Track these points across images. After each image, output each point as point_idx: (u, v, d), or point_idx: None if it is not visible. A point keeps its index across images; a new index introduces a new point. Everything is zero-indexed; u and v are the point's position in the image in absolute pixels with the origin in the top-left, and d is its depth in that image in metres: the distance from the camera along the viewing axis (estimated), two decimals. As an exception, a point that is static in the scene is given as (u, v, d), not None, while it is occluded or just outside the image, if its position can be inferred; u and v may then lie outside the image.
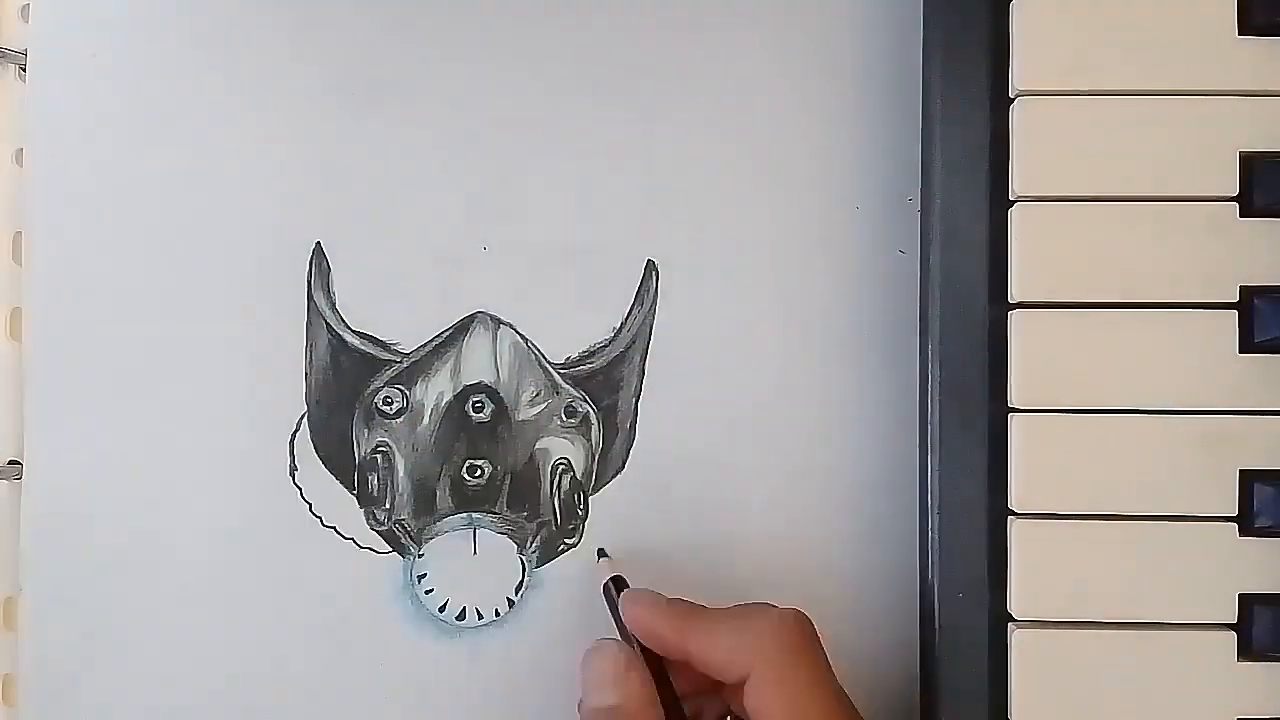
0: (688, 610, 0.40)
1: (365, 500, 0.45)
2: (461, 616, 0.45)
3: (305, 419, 0.45)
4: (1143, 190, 0.40)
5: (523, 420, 0.45)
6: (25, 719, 0.44)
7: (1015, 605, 0.40)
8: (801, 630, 0.38)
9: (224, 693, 0.45)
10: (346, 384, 0.45)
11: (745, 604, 0.40)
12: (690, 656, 0.39)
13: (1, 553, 0.45)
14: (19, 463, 0.46)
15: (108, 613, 0.45)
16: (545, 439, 0.45)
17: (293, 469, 0.45)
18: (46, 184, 0.46)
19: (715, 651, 0.38)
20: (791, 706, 0.37)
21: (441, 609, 0.45)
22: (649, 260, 0.45)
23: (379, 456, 0.45)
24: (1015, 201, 0.40)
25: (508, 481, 0.45)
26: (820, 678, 0.38)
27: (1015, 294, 0.40)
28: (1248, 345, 0.40)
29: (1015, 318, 0.40)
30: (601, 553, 0.44)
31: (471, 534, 0.45)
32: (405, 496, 0.45)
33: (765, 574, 0.44)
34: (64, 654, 0.45)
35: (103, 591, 0.45)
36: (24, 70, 0.46)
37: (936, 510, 0.41)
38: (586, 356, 0.45)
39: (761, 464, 0.44)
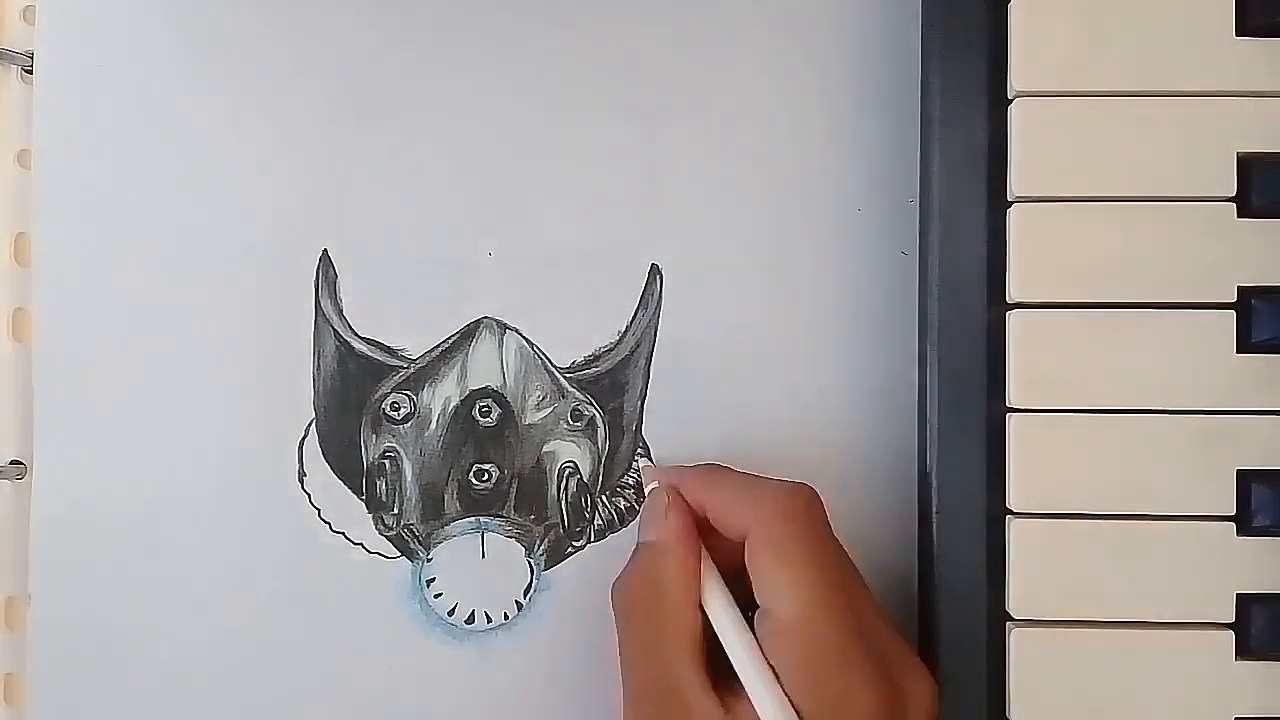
0: (712, 469, 0.44)
1: (373, 505, 0.47)
2: (470, 620, 0.47)
3: (313, 425, 0.47)
4: (1141, 191, 0.42)
5: (529, 424, 0.47)
6: None
7: (1013, 604, 0.42)
8: (801, 499, 0.41)
9: (232, 696, 0.47)
10: (354, 390, 0.47)
11: (765, 475, 0.43)
12: (706, 512, 0.42)
13: (3, 553, 0.48)
14: (21, 462, 0.48)
15: (116, 616, 0.47)
16: (552, 442, 0.47)
17: (301, 475, 0.47)
18: (54, 188, 0.48)
19: (723, 508, 0.42)
20: (776, 562, 0.39)
21: (450, 612, 0.47)
22: (653, 264, 0.47)
23: (387, 462, 0.47)
24: (1014, 202, 0.42)
25: (515, 485, 0.47)
26: (811, 543, 0.40)
27: (1013, 294, 0.42)
28: (1245, 345, 0.41)
29: (1013, 318, 0.42)
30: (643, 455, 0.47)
31: (480, 538, 0.47)
32: (413, 501, 0.47)
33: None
34: (71, 657, 0.47)
35: (111, 596, 0.47)
36: (26, 72, 0.48)
37: (935, 510, 0.43)
38: (592, 360, 0.47)
39: (762, 463, 0.46)
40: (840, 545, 0.41)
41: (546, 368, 0.47)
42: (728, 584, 0.42)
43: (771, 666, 0.39)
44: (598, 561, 0.47)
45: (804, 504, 0.41)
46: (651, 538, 0.43)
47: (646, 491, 0.45)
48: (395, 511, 0.47)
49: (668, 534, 0.42)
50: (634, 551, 0.43)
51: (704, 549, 0.42)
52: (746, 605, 0.41)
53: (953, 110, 0.43)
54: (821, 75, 0.47)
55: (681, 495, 0.43)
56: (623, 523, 0.47)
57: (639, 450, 0.47)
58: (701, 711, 0.39)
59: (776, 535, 0.40)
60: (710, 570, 0.42)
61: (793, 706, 0.38)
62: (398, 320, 0.48)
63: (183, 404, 0.47)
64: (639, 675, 0.41)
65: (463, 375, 0.47)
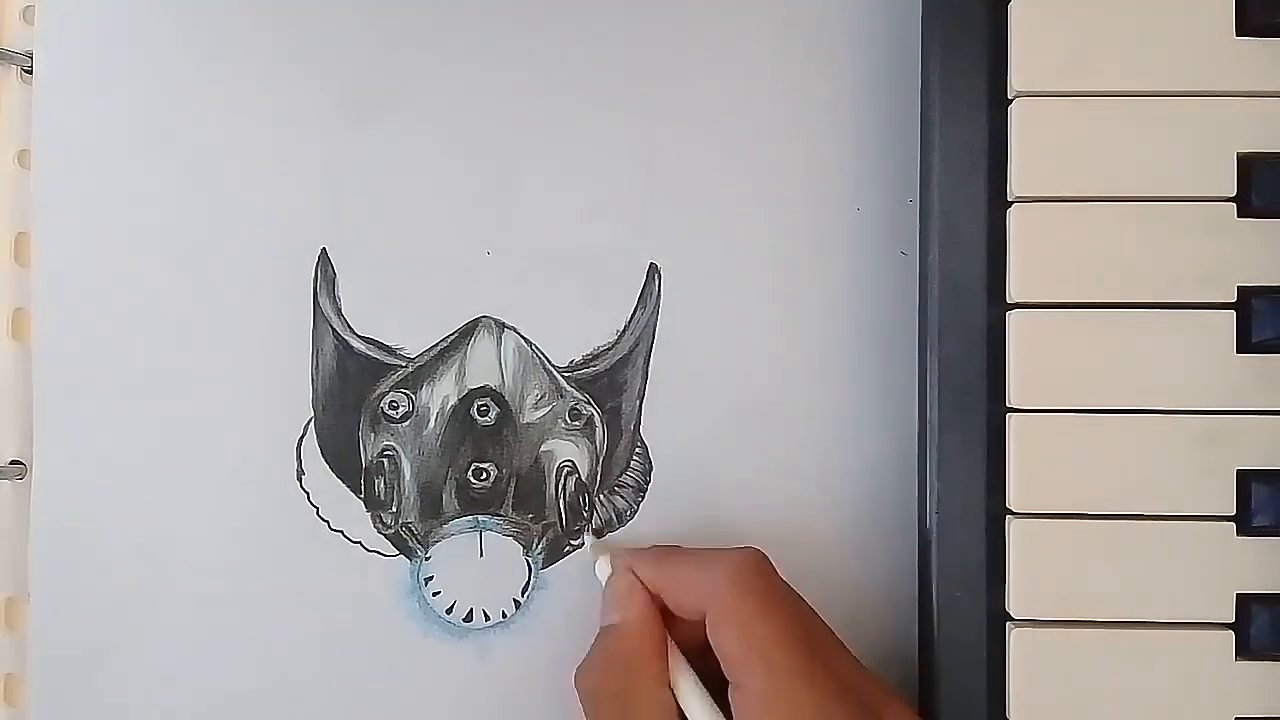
0: (663, 551, 0.44)
1: (372, 504, 0.47)
2: (469, 618, 0.47)
3: (312, 423, 0.47)
4: (1141, 191, 0.42)
5: (527, 423, 0.48)
6: (32, 721, 0.47)
7: (1013, 605, 0.42)
8: (752, 566, 0.41)
9: (231, 695, 0.47)
10: (352, 389, 0.48)
11: (712, 549, 0.44)
12: (661, 593, 0.43)
13: (3, 553, 0.48)
14: (21, 462, 0.48)
15: (115, 616, 0.47)
16: (550, 441, 0.48)
17: (300, 473, 0.47)
18: (54, 189, 0.48)
19: (678, 588, 0.42)
20: (741, 637, 0.39)
21: (449, 611, 0.47)
22: (651, 263, 0.47)
23: (385, 460, 0.48)
24: (1014, 202, 0.42)
25: (513, 484, 0.48)
26: (772, 610, 0.40)
27: (1013, 294, 0.42)
28: (1245, 345, 0.42)
29: (1013, 318, 0.42)
30: (598, 533, 0.47)
31: (478, 536, 0.47)
32: (412, 500, 0.47)
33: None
34: (72, 657, 0.47)
35: (110, 595, 0.47)
36: (26, 72, 0.49)
37: (935, 510, 0.43)
38: (590, 359, 0.48)
39: (763, 464, 0.47)
40: (798, 597, 0.42)
41: (545, 367, 0.48)
42: (690, 663, 0.42)
43: None
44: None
45: (754, 570, 0.41)
46: (615, 619, 0.43)
47: (594, 569, 0.45)
48: (394, 510, 0.47)
49: (631, 614, 0.42)
50: (597, 636, 0.44)
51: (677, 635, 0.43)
52: (709, 682, 0.41)
53: (953, 110, 0.44)
54: (821, 74, 0.47)
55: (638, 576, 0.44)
56: (621, 522, 0.47)
57: (636, 449, 0.47)
58: None
59: (736, 610, 0.40)
60: (675, 649, 0.42)
61: None
62: (396, 319, 0.48)
63: (182, 403, 0.48)
64: None
65: (461, 374, 0.48)
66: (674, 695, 0.41)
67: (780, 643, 0.39)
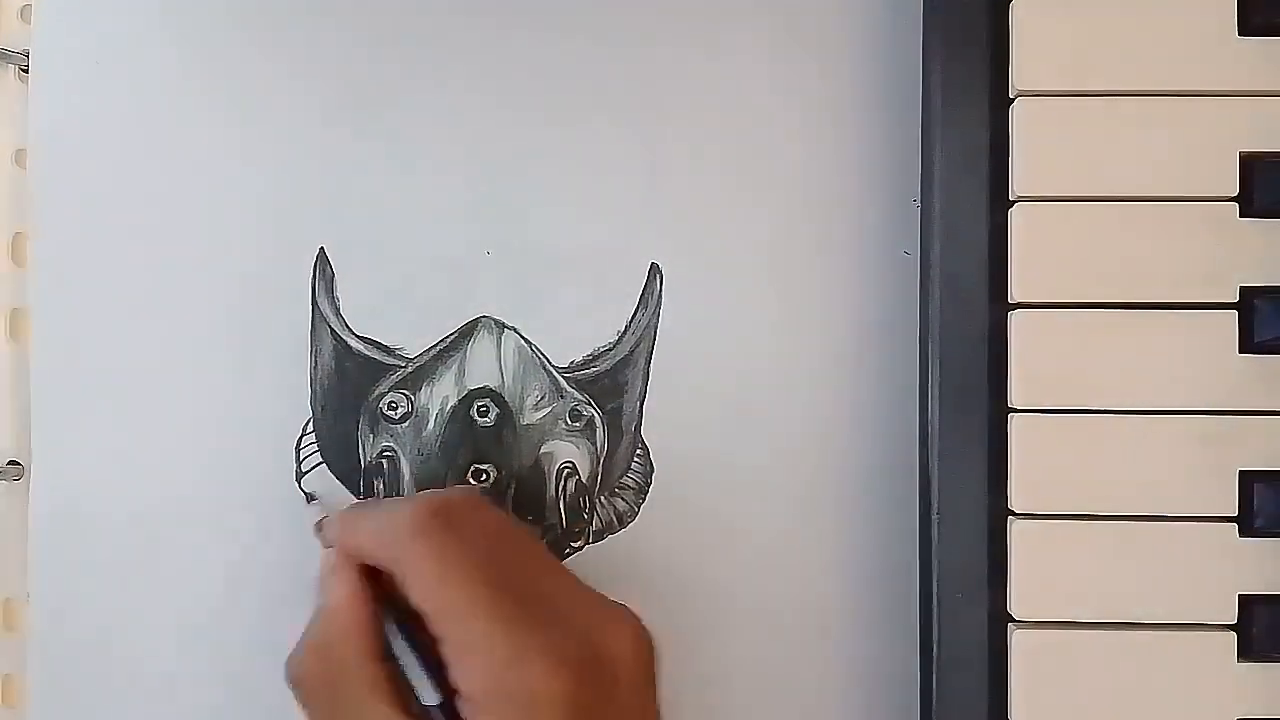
0: (352, 515, 0.43)
1: (371, 504, 0.48)
2: (468, 620, 0.47)
3: (311, 424, 0.47)
4: (1143, 190, 0.42)
5: (528, 424, 0.48)
6: (30, 721, 0.47)
7: (1015, 606, 0.42)
8: (426, 514, 0.40)
9: (231, 695, 0.47)
10: (351, 389, 0.47)
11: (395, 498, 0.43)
12: (362, 559, 0.41)
13: (0, 553, 0.48)
14: (18, 463, 0.48)
15: (114, 616, 0.47)
16: (550, 443, 0.48)
17: (299, 474, 0.47)
18: (51, 188, 0.48)
19: (371, 552, 0.41)
20: (428, 591, 0.39)
21: (448, 612, 0.47)
22: (652, 263, 0.47)
23: (385, 461, 0.48)
24: (1015, 202, 0.42)
25: (513, 485, 0.47)
26: (450, 554, 0.39)
27: (1015, 294, 0.42)
28: (1248, 345, 0.42)
29: (1015, 318, 0.42)
30: (311, 498, 0.47)
31: (478, 538, 0.48)
32: (411, 501, 0.48)
33: (765, 574, 0.47)
34: (70, 657, 0.47)
35: (109, 595, 0.47)
36: (24, 70, 0.49)
37: (936, 510, 0.43)
38: (591, 360, 0.48)
39: (762, 463, 0.47)
40: (493, 532, 0.41)
41: (545, 367, 0.48)
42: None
43: (454, 690, 0.38)
44: (596, 562, 0.47)
45: (428, 518, 0.40)
46: (320, 603, 0.42)
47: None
48: (393, 511, 0.47)
49: (333, 595, 0.41)
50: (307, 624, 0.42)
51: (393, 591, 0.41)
52: None
53: (954, 110, 0.44)
54: (823, 75, 0.47)
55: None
56: (621, 524, 0.47)
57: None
58: None
59: (418, 565, 0.39)
60: (390, 616, 0.41)
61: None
62: (395, 319, 0.48)
63: (180, 403, 0.48)
64: None
65: (461, 375, 0.48)
66: (395, 661, 0.40)
67: (461, 588, 0.38)
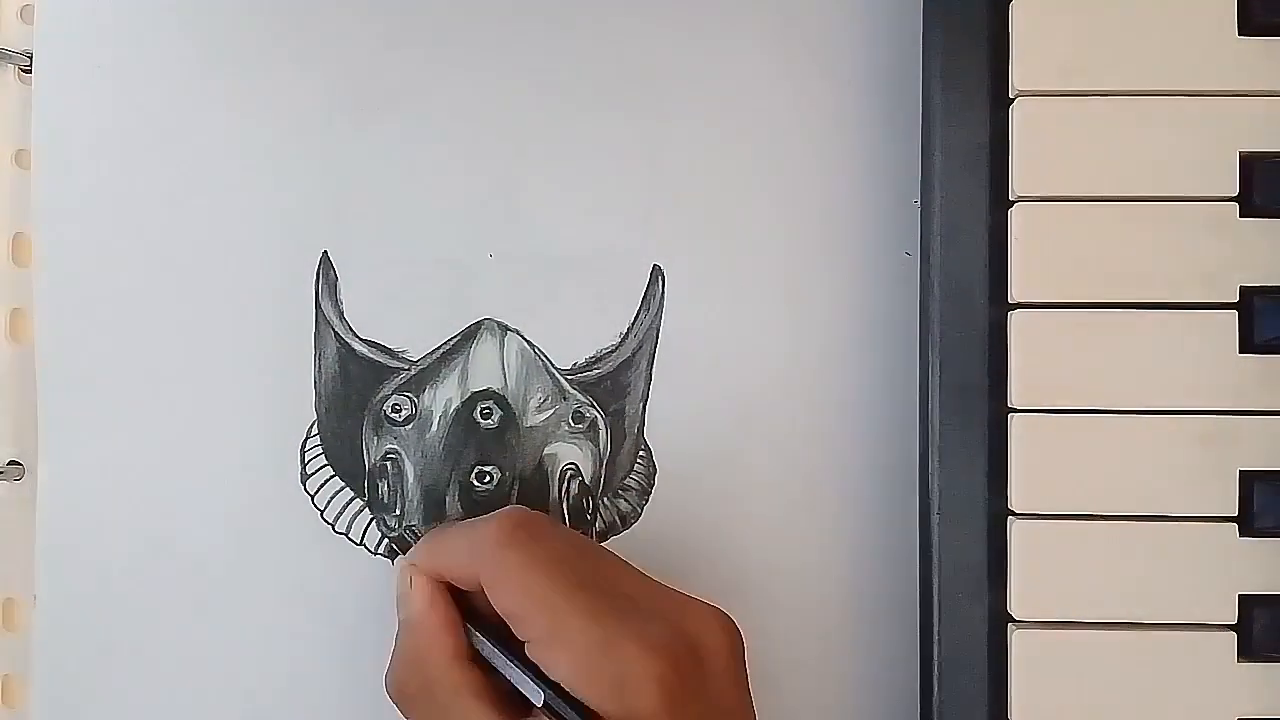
0: (435, 533, 0.45)
1: (376, 507, 0.48)
2: (472, 620, 0.48)
3: (315, 427, 0.48)
4: (1143, 190, 0.42)
5: (531, 426, 0.48)
6: (33, 722, 0.48)
7: (1015, 606, 0.42)
8: (510, 525, 0.41)
9: (234, 698, 0.47)
10: (355, 392, 0.48)
11: (480, 517, 0.44)
12: (444, 575, 0.43)
13: (1, 553, 0.49)
14: (19, 463, 0.49)
15: (118, 618, 0.47)
16: (553, 444, 0.48)
17: (303, 476, 0.48)
18: (55, 191, 0.48)
19: (453, 567, 0.42)
20: (514, 595, 0.40)
21: (453, 614, 0.48)
22: (655, 265, 0.48)
23: (389, 464, 0.48)
24: (1015, 201, 0.43)
25: (516, 487, 0.48)
26: (534, 558, 0.40)
27: (1015, 294, 0.42)
28: (1248, 345, 0.42)
29: (1015, 318, 0.42)
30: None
31: (481, 539, 0.48)
32: (415, 503, 0.48)
33: (766, 574, 0.47)
34: (74, 658, 0.47)
35: (113, 597, 0.47)
36: (24, 71, 0.49)
37: (936, 510, 0.43)
38: (594, 362, 0.48)
39: (765, 464, 0.47)
40: (568, 537, 0.43)
41: (548, 369, 0.48)
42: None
43: (554, 684, 0.39)
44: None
45: (513, 528, 0.41)
46: (402, 617, 0.43)
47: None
48: (397, 513, 0.48)
49: (415, 607, 0.43)
50: (395, 640, 0.44)
51: (468, 606, 0.43)
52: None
53: (954, 110, 0.44)
54: (823, 75, 0.47)
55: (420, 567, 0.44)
56: (625, 525, 0.48)
57: (640, 452, 0.47)
58: None
59: (503, 571, 0.40)
60: (474, 623, 0.42)
61: (584, 710, 0.38)
62: (399, 322, 0.48)
63: (184, 406, 0.48)
64: None
65: (464, 377, 0.48)
66: (483, 668, 0.41)
67: (550, 587, 0.40)
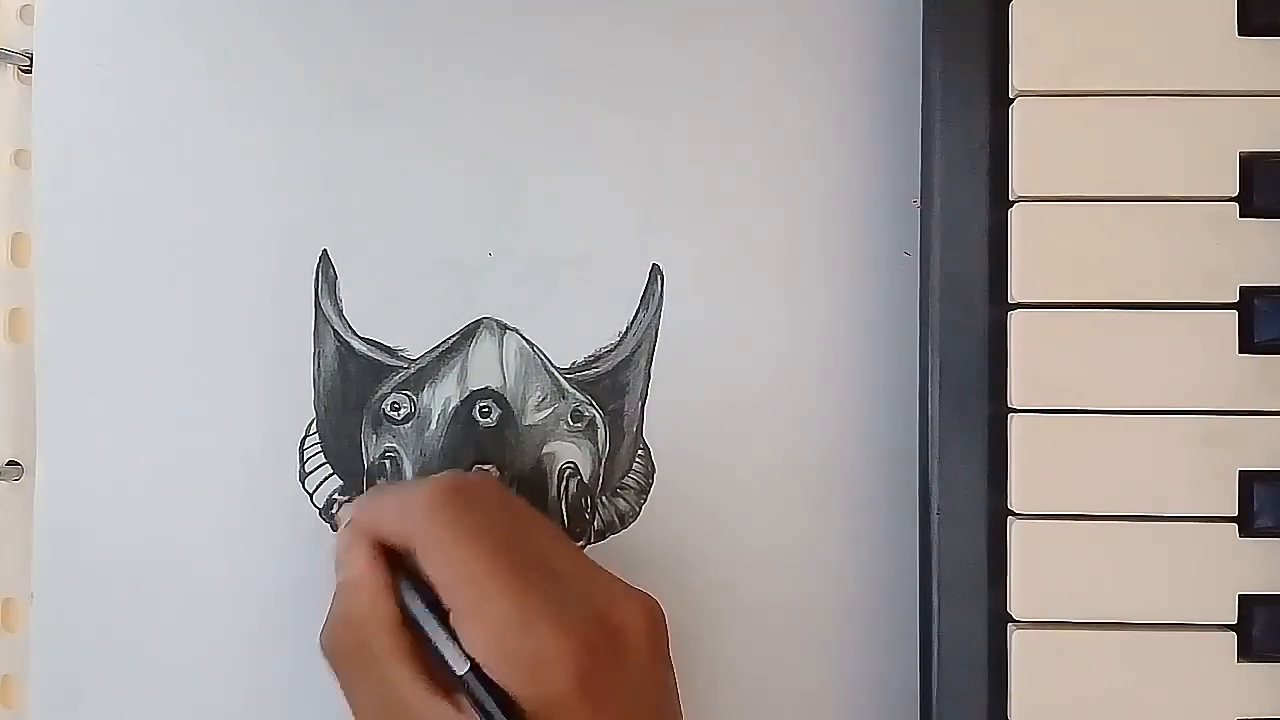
0: (372, 495, 0.45)
1: (374, 505, 0.48)
2: (471, 619, 0.48)
3: (314, 425, 0.48)
4: (1143, 190, 0.42)
5: (529, 425, 0.48)
6: (32, 722, 0.48)
7: (1015, 606, 0.42)
8: (443, 492, 0.41)
9: (232, 696, 0.47)
10: (354, 390, 0.48)
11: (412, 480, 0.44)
12: (380, 536, 0.42)
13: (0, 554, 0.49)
14: (17, 463, 0.49)
15: (117, 617, 0.47)
16: (552, 443, 0.48)
17: (302, 474, 0.47)
18: (55, 191, 0.48)
19: (388, 530, 0.42)
20: (442, 563, 0.40)
21: (451, 612, 0.48)
22: (654, 265, 0.48)
23: (388, 462, 0.48)
24: (1015, 201, 0.43)
25: (515, 486, 0.47)
26: (464, 531, 0.40)
27: (1015, 294, 0.42)
28: (1248, 346, 0.42)
29: (1015, 318, 0.42)
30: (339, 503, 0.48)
31: (480, 538, 0.48)
32: (414, 501, 0.48)
33: (765, 574, 0.47)
34: (73, 658, 0.47)
35: (112, 596, 0.47)
36: (23, 71, 0.49)
37: (936, 510, 0.43)
38: (592, 361, 0.48)
39: (763, 464, 0.47)
40: (508, 511, 0.42)
41: (547, 368, 0.48)
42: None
43: (469, 657, 0.39)
44: (598, 561, 0.47)
45: (446, 495, 0.41)
46: (340, 578, 0.43)
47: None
48: (396, 511, 0.48)
49: (352, 570, 0.42)
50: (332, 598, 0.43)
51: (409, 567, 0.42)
52: None
53: (954, 110, 0.44)
54: (823, 75, 0.47)
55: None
56: (623, 524, 0.48)
57: (638, 451, 0.47)
58: (436, 716, 0.39)
59: (434, 539, 0.40)
60: (409, 588, 0.41)
61: (494, 686, 0.38)
62: (398, 320, 0.48)
63: (183, 404, 0.48)
64: (369, 710, 0.41)
65: (463, 376, 0.48)
66: (418, 633, 0.41)
67: (475, 558, 0.39)
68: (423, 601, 0.41)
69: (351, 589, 0.42)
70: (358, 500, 0.45)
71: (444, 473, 0.43)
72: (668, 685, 0.41)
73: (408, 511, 0.41)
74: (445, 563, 0.40)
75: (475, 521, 0.41)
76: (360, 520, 0.43)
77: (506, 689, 0.38)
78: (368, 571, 0.42)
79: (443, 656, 0.40)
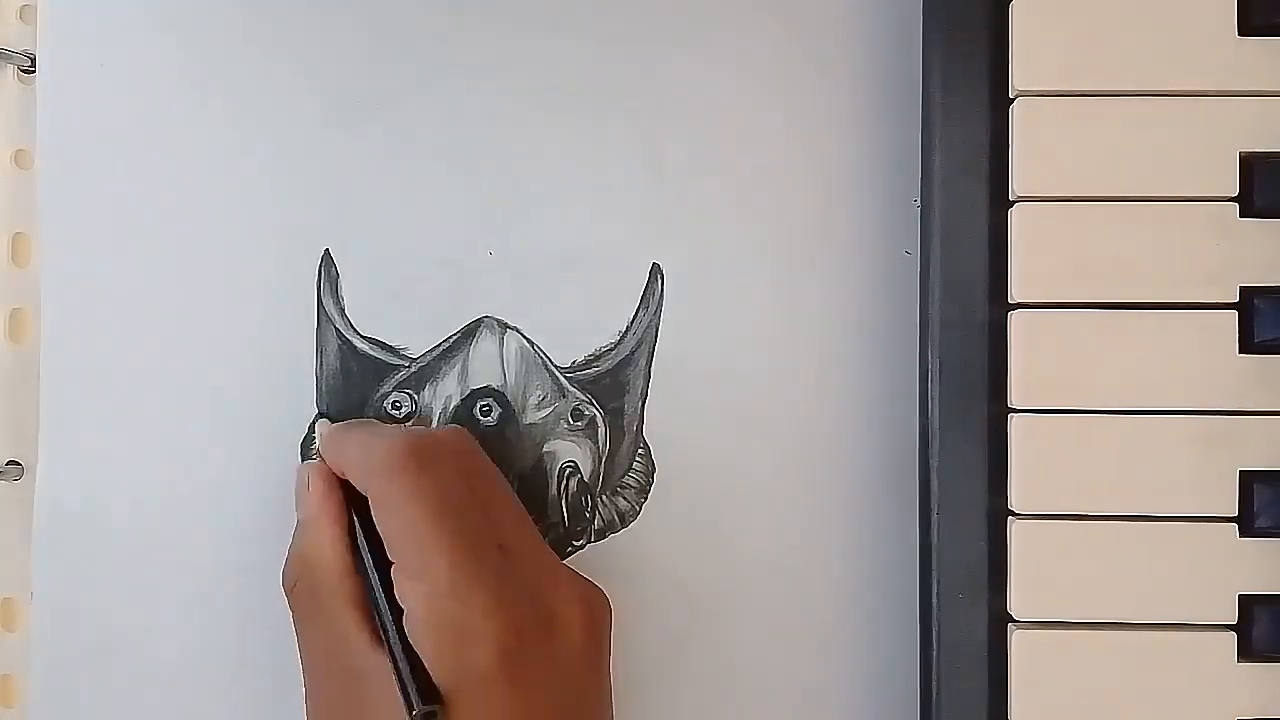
0: (341, 430, 0.46)
1: (375, 504, 0.48)
2: (471, 619, 0.48)
3: (316, 424, 0.48)
4: (1143, 190, 0.42)
5: (530, 424, 0.48)
6: (32, 720, 0.48)
7: (1015, 606, 0.42)
8: (403, 449, 0.41)
9: (233, 696, 0.47)
10: (356, 389, 0.48)
11: (385, 426, 0.45)
12: (345, 475, 0.43)
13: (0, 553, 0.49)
14: (18, 463, 0.49)
15: (119, 616, 0.47)
16: (552, 442, 0.48)
17: (304, 473, 0.48)
18: (56, 191, 0.48)
19: (351, 472, 0.43)
20: (391, 519, 0.40)
21: (451, 611, 0.48)
22: (654, 264, 0.48)
23: (388, 460, 0.48)
24: (1015, 201, 0.42)
25: (515, 484, 0.47)
26: (417, 491, 0.40)
27: (1015, 294, 0.42)
28: (1248, 345, 0.42)
29: (1015, 318, 0.42)
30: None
31: (480, 537, 0.48)
32: (414, 500, 0.48)
33: (764, 573, 0.47)
34: (74, 657, 0.47)
35: (114, 595, 0.47)
36: (24, 71, 0.49)
37: (936, 510, 0.43)
38: (593, 360, 0.48)
39: (763, 463, 0.47)
40: (467, 472, 0.42)
41: (547, 367, 0.48)
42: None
43: (397, 621, 0.39)
44: (598, 561, 0.47)
45: (405, 453, 0.41)
46: (300, 516, 0.44)
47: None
48: (396, 511, 0.48)
49: (310, 510, 0.43)
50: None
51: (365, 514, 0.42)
52: None
53: (954, 110, 0.44)
54: (822, 75, 0.47)
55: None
56: (623, 523, 0.48)
57: (638, 450, 0.47)
58: (374, 668, 0.40)
59: (382, 492, 0.41)
60: (362, 536, 0.42)
61: (412, 653, 0.39)
62: (399, 319, 0.48)
63: (185, 403, 0.48)
64: (315, 652, 0.42)
65: (464, 374, 0.48)
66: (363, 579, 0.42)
67: (423, 522, 0.39)
68: (371, 551, 0.41)
69: (309, 530, 0.43)
70: (331, 434, 0.45)
71: (414, 429, 0.44)
72: (600, 680, 0.41)
73: (369, 461, 0.42)
74: (394, 518, 0.40)
75: (431, 484, 0.40)
76: (326, 452, 0.44)
77: (428, 656, 0.38)
78: (323, 515, 0.43)
79: (396, 606, 0.40)
